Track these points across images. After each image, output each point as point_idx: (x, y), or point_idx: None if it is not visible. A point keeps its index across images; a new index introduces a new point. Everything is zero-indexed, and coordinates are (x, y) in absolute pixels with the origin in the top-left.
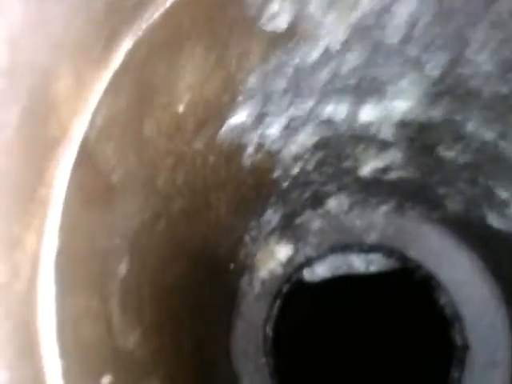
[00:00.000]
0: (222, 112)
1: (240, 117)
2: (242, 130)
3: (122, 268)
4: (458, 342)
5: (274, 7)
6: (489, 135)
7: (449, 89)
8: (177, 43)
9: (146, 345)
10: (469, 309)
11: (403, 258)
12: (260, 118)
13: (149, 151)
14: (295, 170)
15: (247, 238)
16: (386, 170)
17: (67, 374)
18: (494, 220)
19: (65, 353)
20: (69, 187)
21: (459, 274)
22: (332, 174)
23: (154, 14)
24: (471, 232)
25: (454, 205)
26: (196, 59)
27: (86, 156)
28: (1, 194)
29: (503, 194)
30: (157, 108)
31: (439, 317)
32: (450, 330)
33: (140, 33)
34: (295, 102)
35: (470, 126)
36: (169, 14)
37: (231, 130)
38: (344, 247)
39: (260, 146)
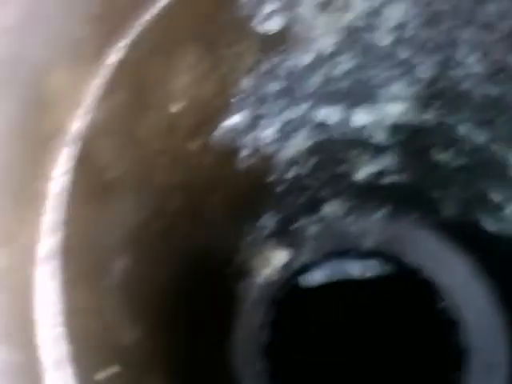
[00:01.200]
0: (216, 114)
1: (234, 119)
2: (237, 132)
3: (120, 265)
4: (457, 345)
5: (267, 8)
6: (480, 138)
7: (440, 92)
8: (171, 44)
9: (146, 342)
10: (467, 313)
11: (400, 263)
12: (254, 121)
13: (145, 150)
14: (290, 175)
15: (243, 244)
16: (380, 174)
17: (64, 366)
18: (488, 223)
19: (63, 347)
20: (65, 183)
21: (457, 278)
22: (327, 179)
23: (149, 15)
24: (467, 236)
25: (448, 209)
26: (191, 60)
27: (83, 152)
28: None
29: (496, 197)
30: (152, 108)
31: (438, 321)
32: (449, 334)
33: (135, 33)
34: (289, 105)
35: (462, 130)
36: (164, 15)
37: (225, 132)
38: (340, 253)
39: (255, 149)
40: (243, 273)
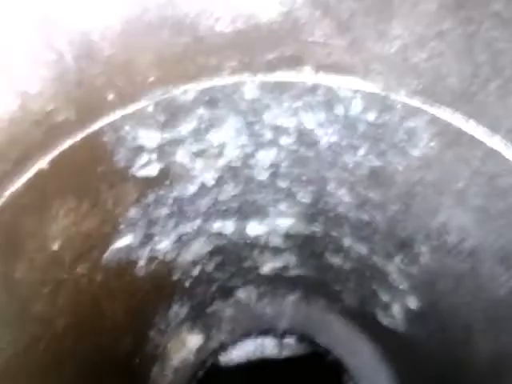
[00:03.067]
0: (104, 240)
1: (124, 241)
2: (129, 249)
3: None
4: None
5: (142, 160)
6: (363, 250)
7: (321, 211)
8: (45, 201)
9: None
10: None
11: (313, 343)
12: (147, 239)
13: (21, 287)
14: (195, 272)
15: (152, 333)
16: (284, 268)
17: None
18: (382, 317)
19: None
20: None
21: (363, 361)
22: (235, 272)
23: (20, 179)
24: (368, 325)
25: (350, 300)
26: (68, 207)
27: None
28: None
29: (384, 297)
30: (29, 251)
31: None
32: None
33: (6, 196)
34: (182, 223)
35: (347, 242)
36: (34, 179)
37: (117, 252)
38: (257, 333)
39: (152, 259)
40: (157, 357)
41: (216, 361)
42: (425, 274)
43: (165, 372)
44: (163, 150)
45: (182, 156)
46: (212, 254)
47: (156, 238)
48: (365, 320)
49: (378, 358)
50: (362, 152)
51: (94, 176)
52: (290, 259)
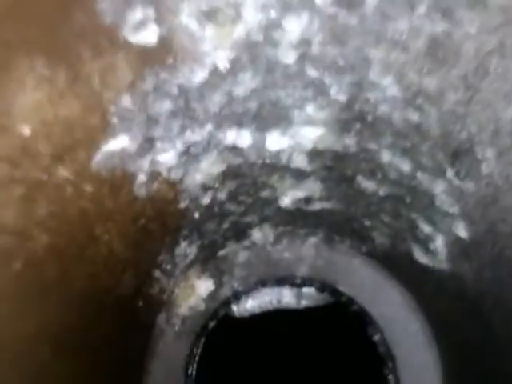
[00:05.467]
0: (91, 136)
1: (118, 143)
2: (126, 156)
3: None
4: (391, 381)
5: (136, 15)
6: (405, 166)
7: (358, 115)
8: (6, 54)
9: None
10: (401, 347)
11: (335, 292)
12: (147, 144)
13: None
14: (205, 200)
15: (158, 274)
16: (307, 200)
17: None
18: (420, 256)
19: None
20: None
21: (390, 310)
22: (251, 205)
23: None
24: (400, 267)
25: (381, 238)
26: (39, 73)
27: None
28: None
29: (426, 228)
30: None
31: (371, 354)
32: (383, 368)
33: None
34: (189, 127)
35: (385, 157)
36: None
37: (109, 157)
38: (274, 281)
39: (154, 174)
40: (164, 304)
41: (229, 311)
42: (485, 190)
43: (172, 321)
44: (163, 3)
45: (188, 16)
46: (225, 176)
47: (158, 145)
48: (397, 262)
49: (410, 307)
50: (422, 10)
51: (69, 30)
52: (314, 187)
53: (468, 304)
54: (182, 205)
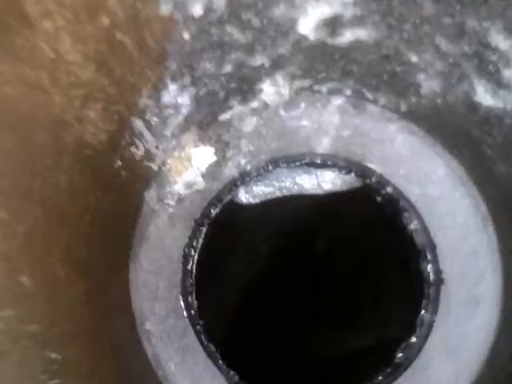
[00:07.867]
0: None
1: None
2: None
3: None
4: (431, 275)
5: None
6: None
7: None
8: None
9: None
10: (445, 234)
11: (364, 172)
12: None
13: None
14: (198, 10)
15: (140, 125)
16: (335, 25)
17: None
18: (487, 93)
19: None
20: None
21: (433, 188)
22: (260, 32)
23: None
24: (451, 123)
25: (429, 81)
26: None
27: None
28: None
29: (502, 43)
30: None
31: (408, 245)
32: (421, 260)
33: None
34: None
35: None
36: None
37: None
38: (289, 158)
39: None
40: (153, 176)
41: (235, 195)
42: None
43: (166, 200)
44: None
45: None
46: None
47: None
48: (442, 124)
49: (459, 182)
50: None
51: None
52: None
53: None
54: (165, 10)
